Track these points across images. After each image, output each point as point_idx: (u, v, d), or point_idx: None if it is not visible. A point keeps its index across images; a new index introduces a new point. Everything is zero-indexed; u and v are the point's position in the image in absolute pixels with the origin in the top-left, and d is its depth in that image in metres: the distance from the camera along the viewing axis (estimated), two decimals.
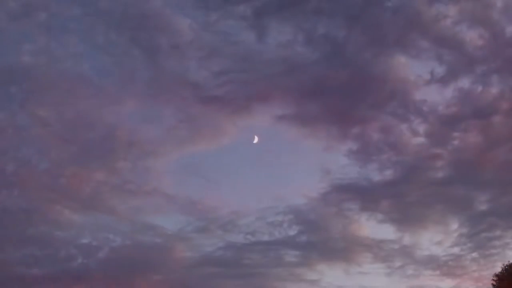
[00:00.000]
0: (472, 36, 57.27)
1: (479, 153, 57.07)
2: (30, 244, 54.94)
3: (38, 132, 58.39)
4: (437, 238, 57.65)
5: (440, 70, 58.08)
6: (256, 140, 60.56)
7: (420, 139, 58.69)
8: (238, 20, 59.59)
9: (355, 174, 59.11)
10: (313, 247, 58.13)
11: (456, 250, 56.59)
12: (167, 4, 60.83)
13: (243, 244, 58.05)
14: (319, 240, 58.83)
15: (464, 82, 58.02)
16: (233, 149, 63.01)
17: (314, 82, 59.11)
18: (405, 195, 58.05)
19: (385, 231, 59.43)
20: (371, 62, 58.78)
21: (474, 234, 56.45)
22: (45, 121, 58.26)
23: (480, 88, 57.61)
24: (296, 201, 59.94)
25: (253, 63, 59.89)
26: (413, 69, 59.61)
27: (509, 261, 40.98)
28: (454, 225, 57.58)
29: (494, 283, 40.86)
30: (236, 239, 58.39)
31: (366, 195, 58.60)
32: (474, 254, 55.95)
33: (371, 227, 59.13)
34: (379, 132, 59.47)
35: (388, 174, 58.65)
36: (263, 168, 64.78)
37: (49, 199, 56.95)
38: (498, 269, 41.26)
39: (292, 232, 58.82)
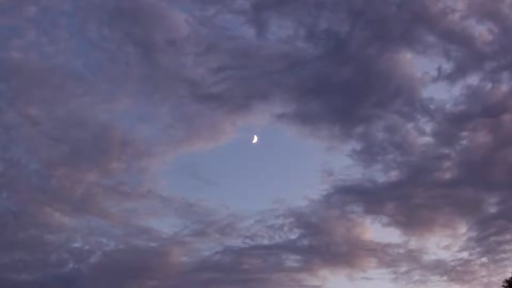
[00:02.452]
0: (481, 31, 56.89)
1: (489, 153, 56.55)
2: (19, 248, 54.56)
3: (27, 131, 57.99)
4: (445, 242, 57.33)
5: (447, 66, 57.62)
6: (255, 139, 60.55)
7: (427, 139, 58.34)
8: (237, 14, 59.60)
9: (358, 175, 58.69)
10: (315, 251, 57.70)
11: (464, 254, 56.21)
12: None
13: (242, 249, 57.76)
14: (321, 244, 58.34)
15: (473, 79, 57.63)
16: (232, 149, 63.23)
17: (316, 79, 58.87)
18: (411, 197, 57.59)
19: (390, 235, 59.02)
20: (376, 58, 58.53)
21: (483, 238, 56.02)
22: (35, 119, 57.86)
23: (489, 86, 57.24)
24: (297, 204, 59.56)
25: (252, 59, 59.77)
26: (419, 65, 59.50)
27: None
28: (463, 229, 57.27)
29: None
30: (234, 243, 58.19)
31: (370, 197, 58.17)
32: (484, 259, 55.63)
33: (376, 230, 58.81)
34: (384, 131, 58.96)
35: (394, 175, 58.29)
36: (263, 169, 64.95)
37: (39, 201, 56.67)
38: (509, 274, 41.43)
39: (293, 235, 58.45)
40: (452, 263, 55.87)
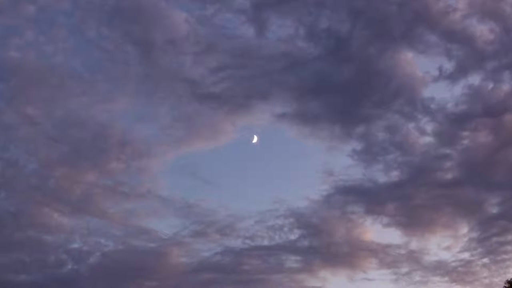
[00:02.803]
0: (483, 30, 56.60)
1: (490, 153, 56.15)
2: (17, 249, 54.11)
3: (26, 131, 57.59)
4: (446, 243, 56.88)
5: (448, 66, 57.35)
6: (255, 139, 60.18)
7: (428, 139, 57.99)
8: (237, 13, 59.35)
9: (359, 176, 58.31)
10: (316, 252, 57.27)
11: (466, 255, 55.79)
12: None
13: (242, 249, 57.38)
14: (322, 244, 57.86)
15: (474, 79, 57.37)
16: (231, 149, 62.79)
17: (316, 79, 58.38)
18: (412, 198, 57.15)
19: (391, 236, 58.63)
20: (376, 58, 58.18)
21: (485, 239, 55.61)
22: (33, 119, 57.56)
23: (491, 85, 56.91)
24: (297, 204, 59.12)
25: (252, 58, 59.42)
26: (420, 65, 59.11)
27: None
28: (464, 229, 56.85)
29: None
30: (234, 244, 57.74)
31: (371, 198, 57.72)
32: (485, 260, 55.16)
33: (377, 231, 58.35)
34: (384, 131, 58.56)
35: (394, 175, 57.85)
36: (263, 169, 64.57)
37: (37, 202, 56.32)
38: (510, 275, 42.10)
39: (293, 236, 58.04)
40: (453, 264, 55.67)
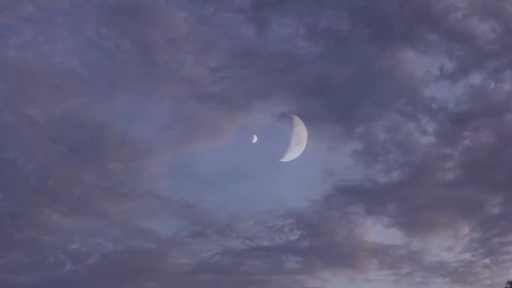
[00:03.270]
0: (484, 30, 56.20)
1: (492, 153, 55.93)
2: (16, 249, 53.95)
3: (24, 131, 57.25)
4: (447, 244, 56.63)
5: (450, 65, 56.95)
6: (255, 139, 59.64)
7: (429, 139, 57.66)
8: (237, 12, 58.84)
9: (360, 176, 57.89)
10: (316, 253, 57.06)
11: (467, 256, 55.56)
12: None
13: (242, 250, 56.96)
14: (322, 245, 57.67)
15: (476, 78, 56.97)
16: (231, 149, 61.90)
17: (316, 79, 58.35)
18: (413, 198, 56.99)
19: (392, 236, 58.16)
20: (377, 57, 57.93)
21: (486, 239, 55.41)
22: (32, 119, 57.08)
23: (492, 85, 56.53)
24: (297, 204, 58.70)
25: (252, 58, 59.17)
26: (421, 64, 58.58)
27: None
28: (465, 230, 56.54)
29: None
30: (234, 245, 57.34)
31: (371, 198, 57.42)
32: (486, 260, 54.95)
33: (377, 231, 58.06)
34: (385, 131, 58.38)
35: (395, 175, 57.54)
36: (263, 169, 63.43)
37: (36, 202, 55.93)
38: None
39: (294, 237, 57.75)
40: (455, 265, 55.42)
